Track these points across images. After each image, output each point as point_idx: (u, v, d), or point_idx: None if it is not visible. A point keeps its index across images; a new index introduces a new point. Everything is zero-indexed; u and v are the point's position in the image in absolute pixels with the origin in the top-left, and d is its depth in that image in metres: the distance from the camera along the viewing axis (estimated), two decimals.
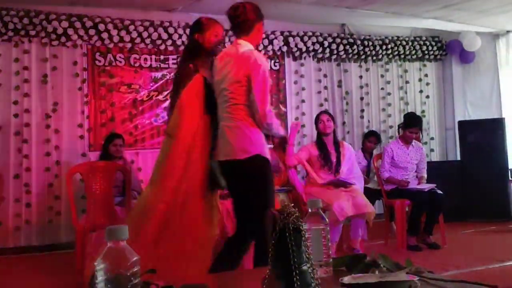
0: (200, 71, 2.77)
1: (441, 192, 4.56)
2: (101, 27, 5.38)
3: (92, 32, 5.35)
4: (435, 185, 4.66)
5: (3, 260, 4.71)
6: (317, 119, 4.43)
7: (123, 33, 5.49)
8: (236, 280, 1.54)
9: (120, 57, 5.60)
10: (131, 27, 5.51)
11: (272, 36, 6.19)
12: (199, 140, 2.68)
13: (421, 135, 5.21)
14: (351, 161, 4.42)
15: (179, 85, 2.75)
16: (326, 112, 4.78)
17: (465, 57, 6.99)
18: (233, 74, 2.62)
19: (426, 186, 4.65)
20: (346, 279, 1.26)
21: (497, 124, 6.30)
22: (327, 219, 1.46)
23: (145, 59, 5.71)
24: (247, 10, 2.70)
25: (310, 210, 1.44)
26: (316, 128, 4.44)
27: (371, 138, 5.79)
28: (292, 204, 1.23)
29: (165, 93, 5.77)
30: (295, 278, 1.10)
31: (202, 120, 2.71)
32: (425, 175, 4.86)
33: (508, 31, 6.73)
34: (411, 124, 4.87)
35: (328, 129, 4.35)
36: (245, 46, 2.68)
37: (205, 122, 2.71)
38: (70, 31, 5.25)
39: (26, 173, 5.12)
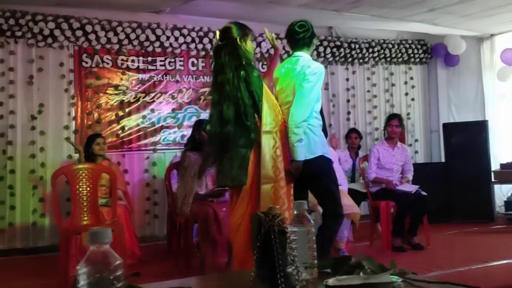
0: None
1: (425, 194, 4.62)
2: (88, 28, 5.35)
3: (79, 33, 5.32)
4: (418, 186, 4.71)
5: None
6: None
7: (110, 34, 5.46)
8: (221, 281, 1.55)
9: (107, 58, 5.57)
10: (119, 29, 5.49)
11: (260, 39, 6.21)
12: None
13: (406, 135, 5.25)
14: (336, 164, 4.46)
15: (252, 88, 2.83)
16: None
17: (450, 60, 7.09)
18: (296, 83, 2.95)
19: (410, 188, 4.70)
20: (331, 281, 1.28)
21: (481, 127, 6.38)
22: (312, 221, 1.47)
23: (133, 61, 5.69)
24: (310, 28, 3.13)
25: (295, 212, 1.45)
26: None
27: (351, 135, 5.87)
28: (278, 206, 1.25)
29: (152, 94, 5.77)
30: (279, 281, 1.12)
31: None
32: (410, 177, 4.91)
33: (492, 35, 6.84)
34: (390, 117, 5.03)
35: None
36: (306, 56, 3.08)
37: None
38: (57, 32, 5.22)
39: (10, 175, 5.06)
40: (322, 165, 3.03)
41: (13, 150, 5.11)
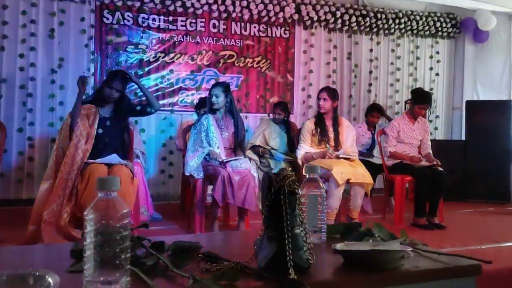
0: None
1: (442, 169, 4.52)
2: None
3: None
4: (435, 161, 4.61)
5: (4, 211, 4.76)
6: (318, 95, 4.40)
7: None
8: (229, 240, 1.56)
9: (128, 16, 5.52)
10: None
11: (284, 3, 6.08)
12: None
13: (429, 112, 5.06)
14: (351, 138, 4.40)
15: None
16: (327, 89, 4.48)
17: (479, 36, 6.86)
18: None
19: (426, 162, 4.62)
20: (339, 246, 1.26)
21: (505, 106, 6.23)
22: (324, 186, 1.45)
23: (153, 20, 5.64)
24: None
25: (307, 176, 1.43)
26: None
27: (374, 114, 5.69)
28: (290, 169, 1.23)
29: (172, 55, 5.73)
30: (287, 241, 1.11)
31: None
32: (431, 151, 4.77)
33: None
34: (423, 100, 4.71)
35: (322, 109, 4.32)
36: None
37: None
38: None
39: (29, 127, 5.14)
40: None
41: (33, 103, 5.16)
